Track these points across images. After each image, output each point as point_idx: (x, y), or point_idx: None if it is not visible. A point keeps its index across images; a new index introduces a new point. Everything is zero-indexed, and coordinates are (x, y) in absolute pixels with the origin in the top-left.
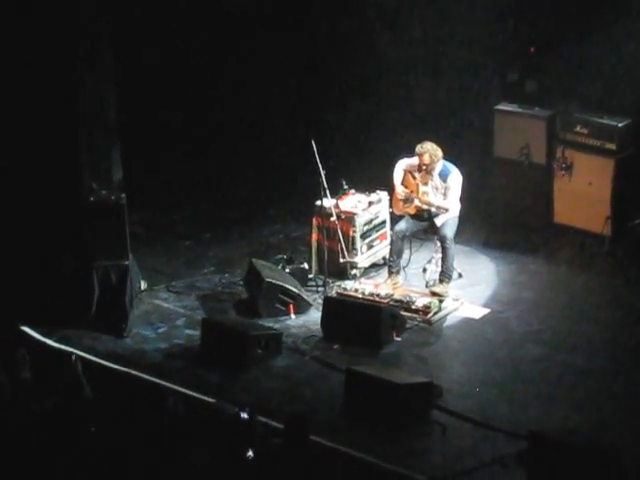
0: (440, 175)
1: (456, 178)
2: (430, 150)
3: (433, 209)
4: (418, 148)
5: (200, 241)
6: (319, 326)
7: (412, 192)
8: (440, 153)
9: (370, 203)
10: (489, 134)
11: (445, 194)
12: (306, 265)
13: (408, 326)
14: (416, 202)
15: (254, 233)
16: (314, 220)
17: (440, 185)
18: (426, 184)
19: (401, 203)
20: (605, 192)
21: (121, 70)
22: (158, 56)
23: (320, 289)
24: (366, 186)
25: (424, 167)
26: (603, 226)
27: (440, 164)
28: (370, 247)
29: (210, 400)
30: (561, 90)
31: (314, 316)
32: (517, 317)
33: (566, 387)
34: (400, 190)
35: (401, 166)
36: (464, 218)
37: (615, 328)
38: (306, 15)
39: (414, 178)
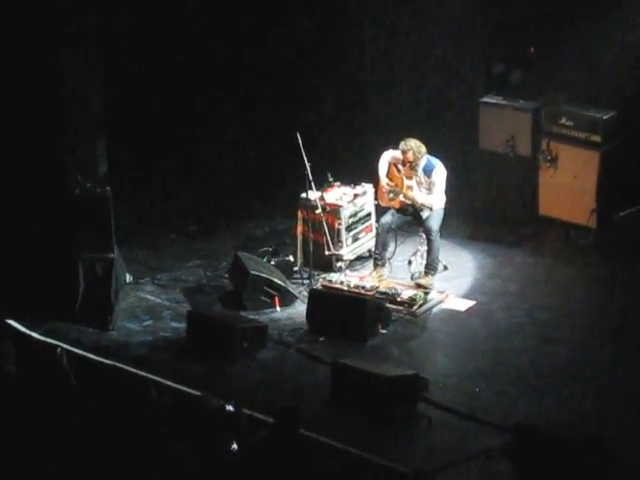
0: (424, 170)
1: (440, 173)
2: (414, 147)
3: (417, 205)
4: (402, 145)
5: (185, 234)
6: (304, 319)
7: (397, 185)
8: (424, 149)
9: (355, 195)
10: (474, 126)
11: (429, 189)
12: (291, 258)
13: (393, 318)
14: (400, 197)
15: (239, 226)
16: (299, 212)
17: (424, 180)
18: (410, 178)
19: (386, 195)
20: (590, 184)
21: (107, 63)
22: (145, 49)
23: (305, 282)
24: (351, 178)
25: (408, 164)
26: (588, 218)
27: (424, 159)
28: (355, 239)
29: (195, 393)
30: (547, 82)
31: (299, 309)
32: (502, 309)
33: (551, 379)
34: (385, 183)
35: (386, 158)
36: (449, 211)
37: (600, 320)
38: (291, 8)
39: (399, 171)
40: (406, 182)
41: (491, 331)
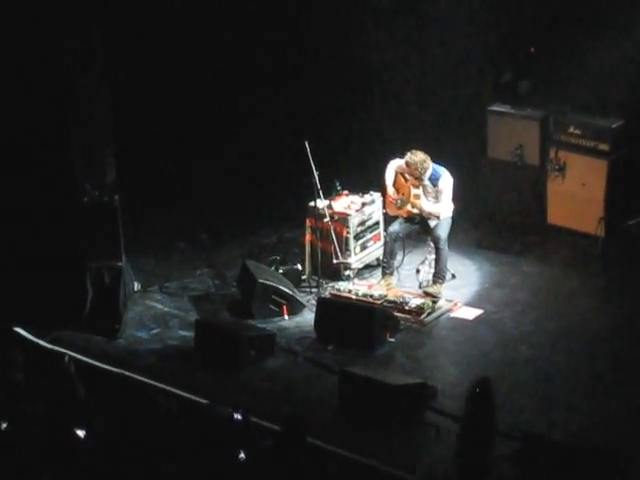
0: (431, 179)
1: (447, 181)
2: (418, 162)
3: (425, 214)
4: (407, 158)
5: (193, 242)
6: (312, 327)
7: (404, 194)
8: (429, 161)
9: (363, 204)
10: (483, 135)
11: (437, 197)
12: (299, 266)
13: (401, 327)
14: (408, 207)
15: (247, 234)
16: (307, 221)
17: (431, 189)
18: (417, 187)
19: (394, 205)
20: (598, 193)
21: (116, 71)
22: (153, 56)
23: (313, 290)
24: (359, 187)
25: (414, 176)
26: (596, 227)
27: (430, 169)
28: (364, 248)
29: (203, 401)
30: (554, 91)
31: (307, 317)
32: (510, 318)
33: (559, 388)
34: (391, 192)
35: (392, 167)
36: (458, 219)
37: (608, 329)
38: (297, 17)
39: (406, 180)
40: (413, 191)
41: (499, 340)
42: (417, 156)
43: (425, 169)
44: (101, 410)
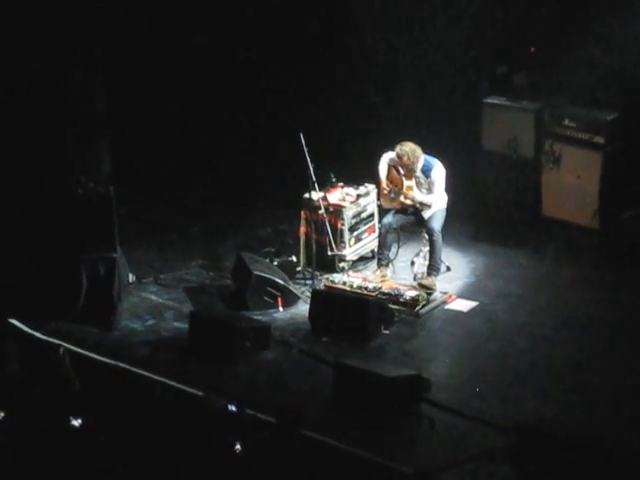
0: (423, 171)
1: (439, 171)
2: (408, 152)
3: (417, 204)
4: (397, 150)
5: (188, 234)
6: (307, 319)
7: (396, 186)
8: (419, 152)
9: (358, 196)
10: (478, 127)
11: (429, 189)
12: (294, 258)
13: (396, 319)
14: (401, 198)
15: (242, 226)
16: (302, 213)
17: (424, 180)
18: (410, 179)
19: (388, 197)
20: (593, 185)
21: (111, 62)
22: (147, 46)
23: (308, 282)
24: (354, 179)
25: (406, 167)
26: (591, 219)
27: (421, 159)
28: (358, 240)
29: (198, 393)
30: (550, 83)
31: (302, 309)
32: (505, 310)
33: (554, 380)
34: (385, 185)
35: (385, 160)
36: (452, 211)
37: (602, 321)
38: (295, 9)
39: (398, 172)
40: (406, 183)
41: (494, 332)
42: (407, 147)
43: (416, 159)
44: (96, 401)
